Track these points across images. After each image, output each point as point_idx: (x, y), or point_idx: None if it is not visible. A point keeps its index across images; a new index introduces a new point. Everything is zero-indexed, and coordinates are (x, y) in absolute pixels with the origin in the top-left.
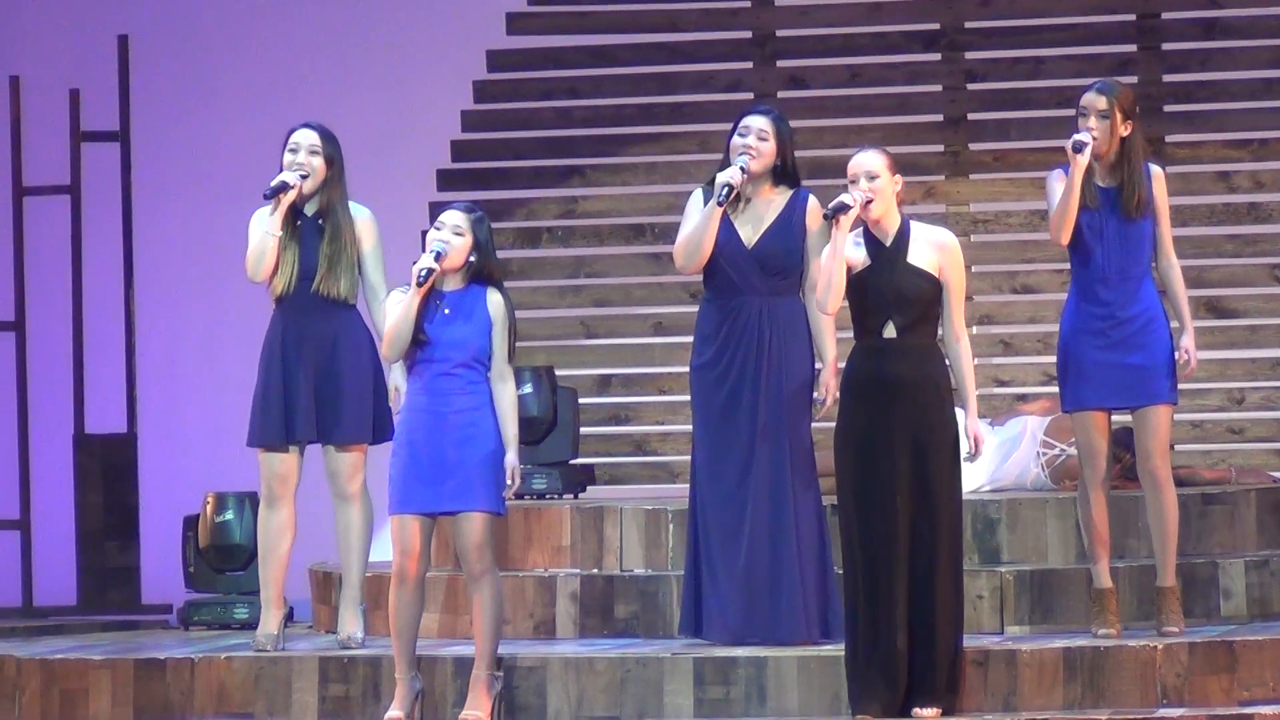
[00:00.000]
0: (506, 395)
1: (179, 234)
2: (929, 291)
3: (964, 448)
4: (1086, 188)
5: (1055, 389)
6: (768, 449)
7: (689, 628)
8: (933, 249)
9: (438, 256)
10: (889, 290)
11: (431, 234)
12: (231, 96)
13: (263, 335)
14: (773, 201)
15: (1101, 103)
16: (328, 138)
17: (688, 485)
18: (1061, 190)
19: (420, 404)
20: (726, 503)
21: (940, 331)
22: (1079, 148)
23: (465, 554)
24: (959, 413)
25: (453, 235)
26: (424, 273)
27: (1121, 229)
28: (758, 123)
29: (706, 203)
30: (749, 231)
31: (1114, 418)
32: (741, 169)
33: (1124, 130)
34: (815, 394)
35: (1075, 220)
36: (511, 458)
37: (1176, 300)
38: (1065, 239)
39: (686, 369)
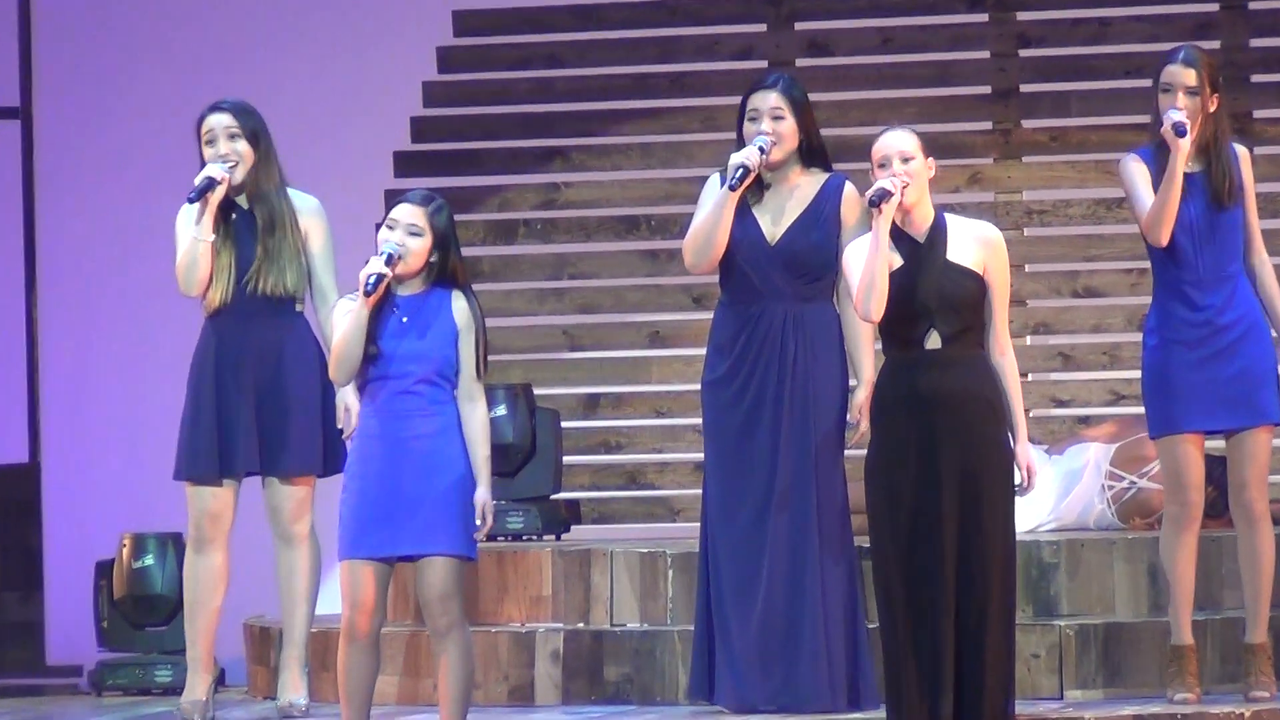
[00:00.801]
0: (476, 418)
1: (90, 230)
2: (975, 293)
3: (1015, 479)
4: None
5: (1122, 411)
6: (790, 481)
7: (700, 691)
8: (976, 244)
9: (389, 260)
10: (931, 293)
11: (383, 233)
12: (149, 69)
13: (191, 347)
14: (800, 188)
15: (1190, 76)
16: (244, 113)
17: (688, 524)
18: (1140, 178)
19: (374, 429)
20: (741, 544)
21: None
22: (1182, 131)
23: (429, 606)
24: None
25: (408, 235)
26: (373, 280)
27: (1213, 220)
28: (768, 100)
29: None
30: (771, 224)
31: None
32: (761, 149)
33: (1211, 105)
34: (849, 417)
35: None
36: (482, 492)
37: (1271, 302)
38: (1166, 238)
39: (686, 387)
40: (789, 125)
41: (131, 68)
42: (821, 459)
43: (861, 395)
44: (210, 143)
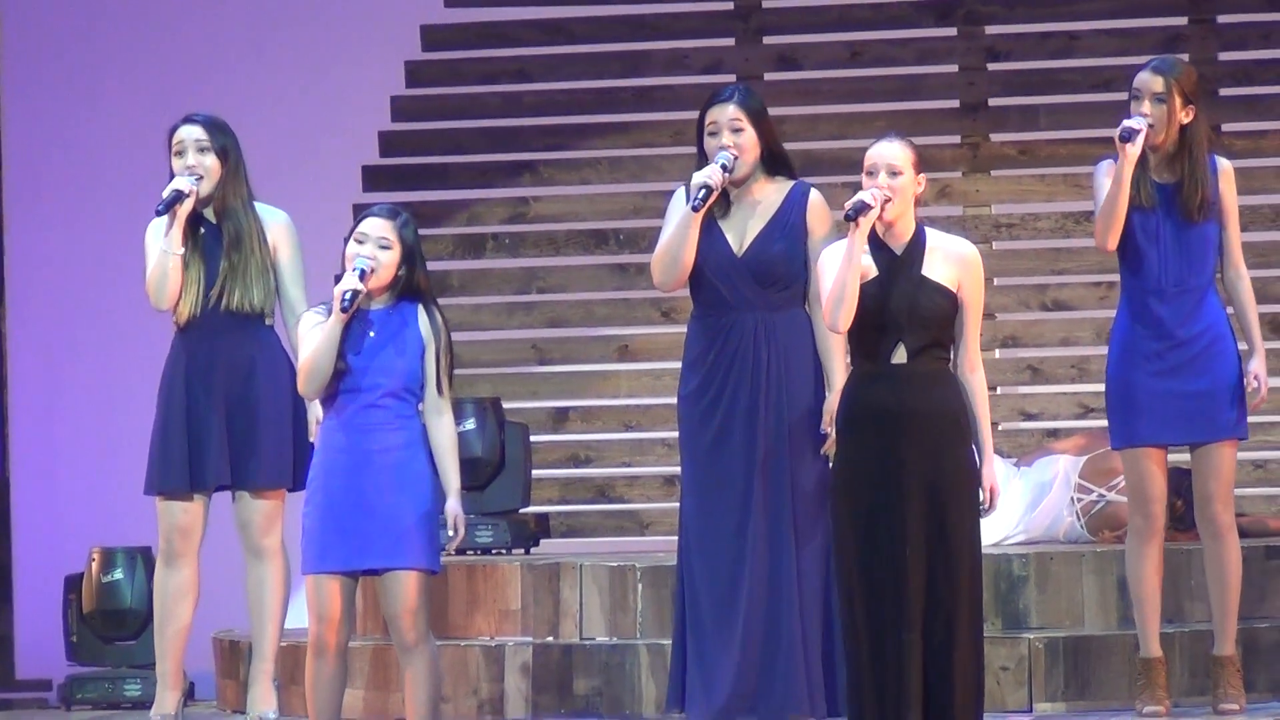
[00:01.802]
0: (444, 430)
1: (60, 242)
2: (947, 310)
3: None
4: (1140, 184)
5: (1091, 423)
6: (766, 492)
7: (675, 702)
8: (952, 262)
9: (363, 275)
10: (902, 307)
11: (352, 248)
12: (122, 81)
13: (160, 360)
14: (765, 199)
15: (1157, 84)
16: (216, 128)
17: (657, 537)
18: (1109, 187)
19: (339, 443)
20: (719, 557)
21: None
22: (1128, 136)
23: (395, 620)
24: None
25: (379, 249)
26: (349, 296)
27: (1180, 233)
28: (726, 113)
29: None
30: (738, 236)
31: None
32: (724, 167)
33: (1184, 117)
34: (822, 426)
35: (1125, 223)
36: (453, 504)
37: (1245, 317)
38: (1113, 244)
39: (656, 401)
40: (749, 136)
41: (101, 81)
42: (798, 469)
43: (831, 403)
44: (179, 154)
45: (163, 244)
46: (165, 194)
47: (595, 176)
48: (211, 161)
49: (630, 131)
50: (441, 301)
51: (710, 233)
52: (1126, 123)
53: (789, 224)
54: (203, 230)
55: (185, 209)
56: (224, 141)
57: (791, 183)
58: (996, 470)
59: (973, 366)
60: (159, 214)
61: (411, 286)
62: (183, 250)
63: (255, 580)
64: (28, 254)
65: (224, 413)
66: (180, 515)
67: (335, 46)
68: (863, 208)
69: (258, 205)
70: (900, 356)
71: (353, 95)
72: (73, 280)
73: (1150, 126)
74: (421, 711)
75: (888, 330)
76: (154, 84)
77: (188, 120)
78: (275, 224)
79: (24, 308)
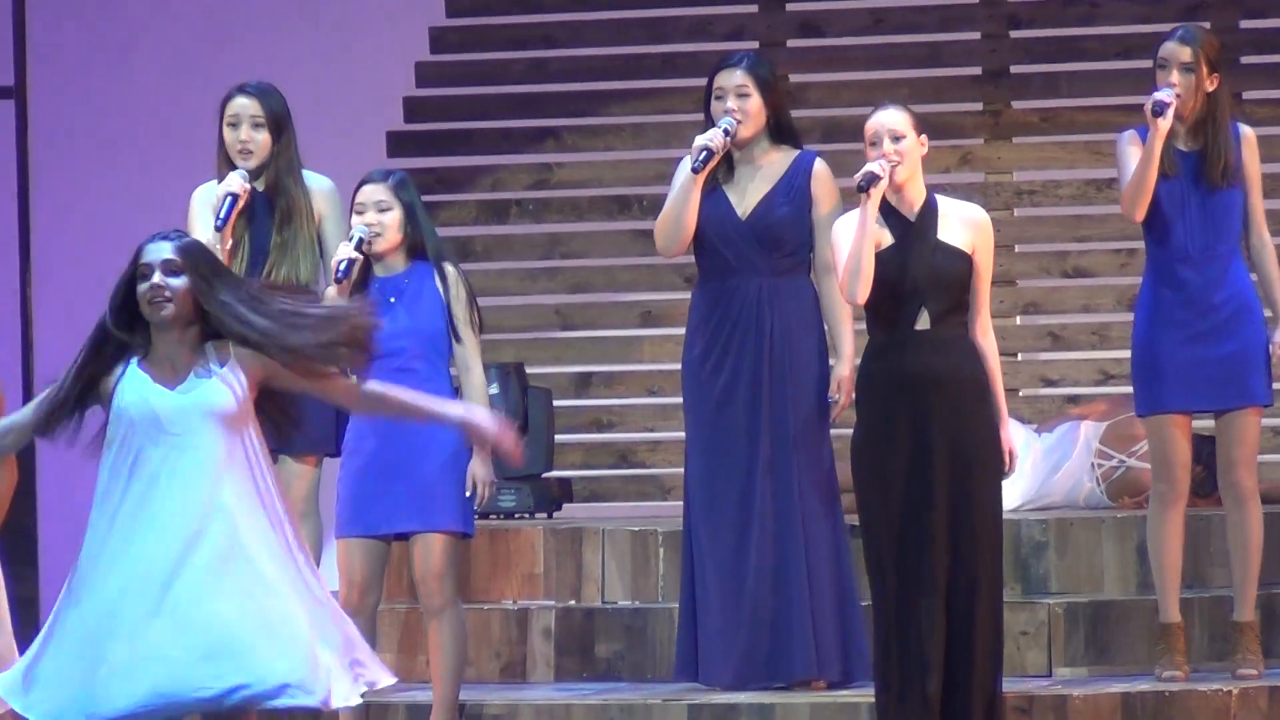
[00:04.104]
0: (474, 385)
1: (85, 208)
2: (965, 274)
3: None
4: (1165, 153)
5: (1113, 389)
6: (772, 457)
7: (686, 671)
8: (965, 225)
9: (359, 245)
10: (922, 273)
11: (354, 219)
12: (145, 48)
13: None
14: (771, 165)
15: (1185, 53)
16: (270, 98)
17: (679, 502)
18: (1135, 158)
19: None
20: (724, 523)
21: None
22: (1159, 110)
23: (422, 583)
24: None
25: (378, 214)
26: (343, 265)
27: (1205, 200)
28: (733, 79)
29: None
30: (741, 199)
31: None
32: (725, 131)
33: (1210, 85)
34: (830, 393)
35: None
36: (478, 466)
37: (1269, 284)
38: (1140, 215)
39: (678, 366)
40: (755, 103)
41: (127, 47)
42: (802, 435)
43: (842, 371)
44: (234, 125)
45: (211, 236)
46: (220, 197)
47: (619, 143)
48: (264, 136)
49: (654, 98)
50: (465, 267)
51: (713, 196)
52: (1157, 95)
53: (794, 188)
54: (251, 200)
55: (240, 206)
56: (278, 112)
57: (798, 151)
58: (1016, 436)
59: (984, 330)
60: (218, 229)
61: (418, 244)
62: (230, 243)
63: None
64: (53, 219)
65: None
66: None
67: (360, 12)
68: (872, 179)
69: (304, 173)
70: (924, 322)
71: (377, 61)
72: (97, 246)
73: (1178, 98)
74: (446, 675)
75: (910, 297)
76: (180, 51)
77: (243, 91)
78: (320, 192)
79: (50, 272)
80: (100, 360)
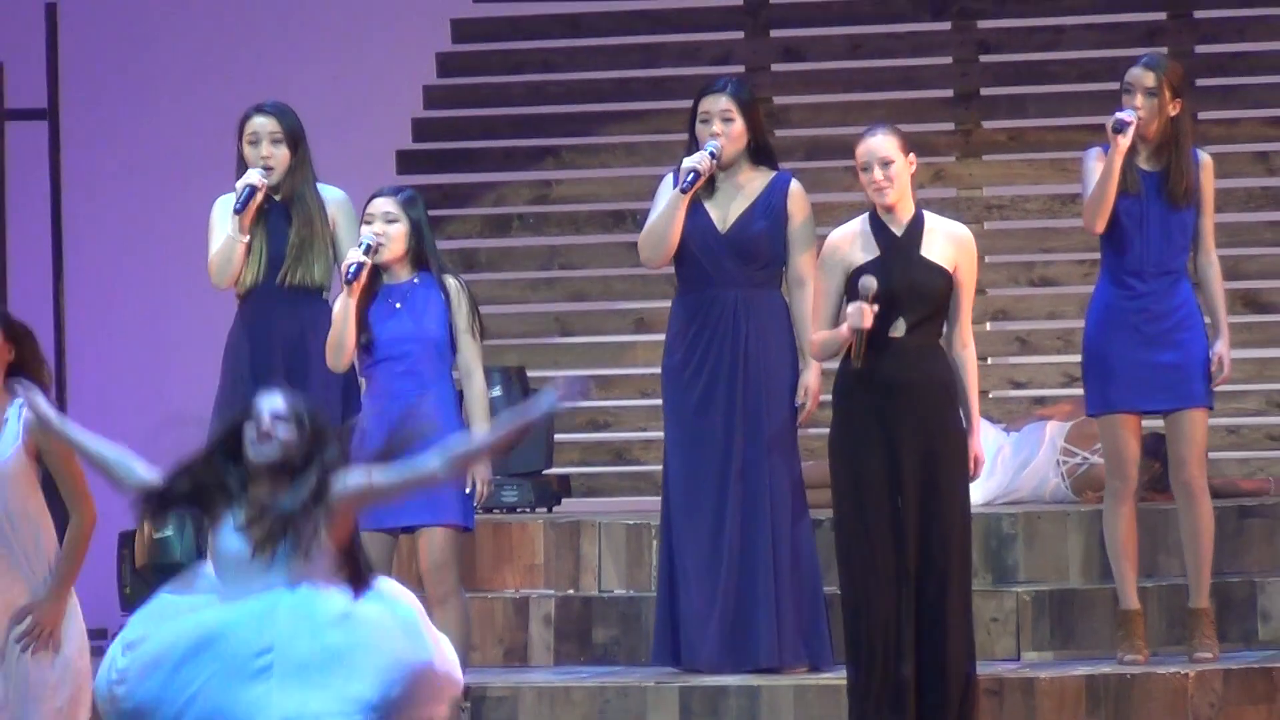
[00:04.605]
0: (475, 388)
1: (114, 223)
2: (943, 289)
3: None
4: (1128, 171)
5: (1077, 391)
6: (745, 457)
7: (662, 656)
8: (949, 242)
9: (368, 250)
10: (902, 284)
11: (363, 228)
12: (170, 71)
13: (208, 334)
14: (750, 184)
15: (1149, 79)
16: (286, 116)
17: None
18: (1098, 173)
19: (375, 409)
20: (701, 518)
21: (944, 334)
22: (1120, 127)
23: (426, 574)
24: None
25: (385, 224)
26: (352, 269)
27: (1164, 218)
28: (718, 104)
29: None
30: (721, 215)
31: (1143, 423)
32: (711, 154)
33: (1173, 110)
34: (797, 398)
35: (1113, 207)
36: (478, 465)
37: (1213, 300)
38: (1101, 226)
39: None
40: (738, 126)
41: (152, 72)
42: (774, 436)
43: (808, 377)
44: (253, 143)
45: (229, 229)
46: (239, 187)
47: (613, 161)
48: (283, 151)
49: (646, 119)
50: (469, 277)
51: (696, 212)
52: (1119, 115)
53: (771, 207)
54: (267, 207)
55: (257, 201)
56: (294, 129)
57: (774, 172)
58: (988, 435)
59: (965, 343)
60: (237, 212)
61: (423, 258)
62: (248, 237)
63: None
64: (84, 235)
65: (282, 377)
66: None
67: (373, 39)
68: (1123, 125)
69: (319, 185)
70: (898, 330)
71: (388, 85)
72: (126, 259)
73: (1140, 118)
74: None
75: (888, 306)
76: (203, 75)
77: (260, 110)
78: (333, 202)
79: (80, 285)
80: (210, 472)
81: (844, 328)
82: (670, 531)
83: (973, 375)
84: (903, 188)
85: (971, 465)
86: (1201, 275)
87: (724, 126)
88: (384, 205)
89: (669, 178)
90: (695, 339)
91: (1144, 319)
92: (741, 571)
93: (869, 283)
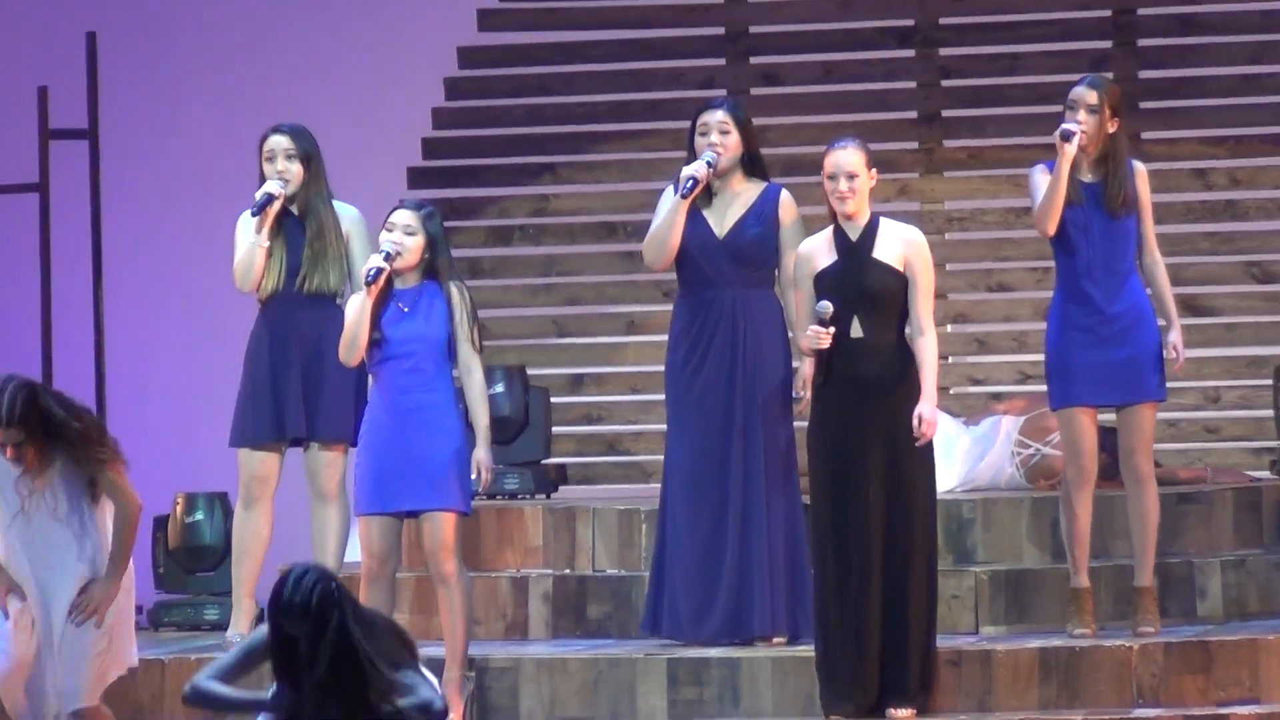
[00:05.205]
0: (474, 386)
1: (149, 233)
2: (895, 288)
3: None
4: (1070, 183)
5: (1030, 388)
6: (743, 446)
7: (650, 625)
8: (899, 243)
9: (388, 256)
10: (854, 287)
11: (382, 236)
12: (201, 93)
13: (233, 335)
14: (744, 194)
15: (1092, 97)
16: (301, 137)
17: (659, 485)
18: (1045, 185)
19: (383, 403)
20: (703, 504)
21: (908, 328)
22: (1067, 136)
23: (432, 554)
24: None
25: (404, 235)
26: (373, 272)
27: (1106, 225)
28: (716, 118)
29: None
30: (719, 222)
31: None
32: (709, 163)
33: (1111, 126)
34: (794, 390)
35: (1061, 214)
36: (480, 452)
37: (1162, 297)
38: (1052, 229)
39: (658, 368)
40: (734, 139)
41: (184, 95)
42: (769, 427)
43: (805, 369)
44: (270, 159)
45: (251, 236)
46: (258, 196)
47: (607, 177)
48: (297, 167)
49: (636, 138)
50: (473, 283)
51: (695, 219)
52: (1065, 126)
53: (764, 214)
54: (285, 221)
55: (275, 208)
56: (307, 148)
57: (766, 183)
58: (949, 429)
59: (923, 329)
60: (254, 214)
61: (434, 268)
62: (269, 243)
63: (319, 521)
64: (122, 238)
65: (299, 376)
66: (259, 465)
67: (386, 65)
68: (1069, 135)
69: (334, 202)
70: (857, 331)
71: (400, 107)
72: (161, 270)
73: (1083, 132)
74: (456, 633)
75: (845, 308)
76: (234, 98)
77: (277, 130)
78: (348, 218)
79: (119, 293)
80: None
81: (806, 349)
82: (668, 516)
83: (931, 355)
84: (862, 198)
85: (916, 423)
86: (1149, 274)
87: (722, 139)
88: (405, 218)
89: (670, 188)
90: (696, 336)
91: (1098, 321)
92: (742, 551)
93: (825, 307)
